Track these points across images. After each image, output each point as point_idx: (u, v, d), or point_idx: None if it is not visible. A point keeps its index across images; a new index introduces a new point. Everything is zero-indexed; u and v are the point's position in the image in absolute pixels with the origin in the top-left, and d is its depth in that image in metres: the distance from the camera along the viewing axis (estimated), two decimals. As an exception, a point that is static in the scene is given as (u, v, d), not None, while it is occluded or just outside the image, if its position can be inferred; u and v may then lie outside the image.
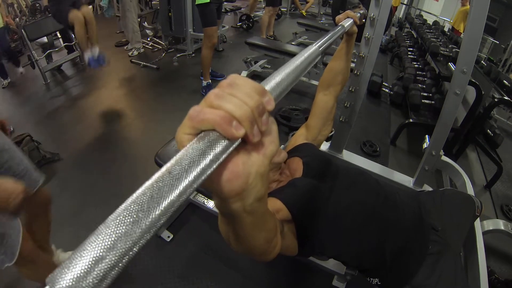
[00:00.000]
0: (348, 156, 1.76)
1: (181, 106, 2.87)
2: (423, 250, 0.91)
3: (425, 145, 1.51)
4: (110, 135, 2.42)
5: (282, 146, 1.04)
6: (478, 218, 1.26)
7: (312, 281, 1.47)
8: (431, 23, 5.20)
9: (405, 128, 2.75)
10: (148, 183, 0.19)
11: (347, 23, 0.92)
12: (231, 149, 0.20)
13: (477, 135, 2.45)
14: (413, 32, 4.97)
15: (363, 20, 1.29)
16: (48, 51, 3.23)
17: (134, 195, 0.19)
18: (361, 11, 1.26)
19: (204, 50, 2.86)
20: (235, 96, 0.22)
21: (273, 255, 0.45)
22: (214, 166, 0.19)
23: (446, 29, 5.53)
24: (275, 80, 0.29)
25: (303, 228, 0.83)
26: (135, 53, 3.85)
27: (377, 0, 1.25)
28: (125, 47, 4.01)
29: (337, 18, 0.99)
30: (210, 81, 3.05)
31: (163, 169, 0.19)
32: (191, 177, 0.19)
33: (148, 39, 4.21)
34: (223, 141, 0.20)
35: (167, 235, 1.58)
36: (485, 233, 1.46)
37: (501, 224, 1.50)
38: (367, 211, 0.88)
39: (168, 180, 0.19)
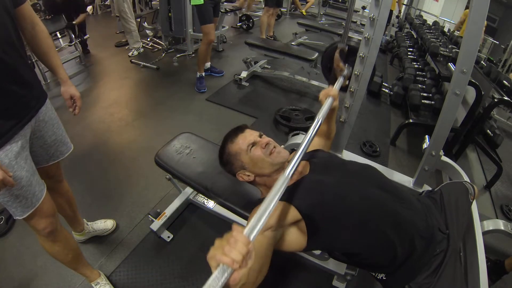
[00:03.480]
0: (348, 156, 1.76)
1: (181, 106, 2.87)
2: (431, 251, 0.92)
3: (425, 145, 1.51)
4: (109, 135, 2.42)
5: (282, 146, 1.05)
6: (479, 219, 1.27)
7: (312, 281, 1.47)
8: (431, 24, 5.20)
9: (405, 128, 2.75)
10: (207, 283, 0.44)
11: (323, 110, 1.00)
12: (232, 271, 0.47)
13: (477, 135, 2.45)
14: (413, 32, 4.97)
15: (347, 82, 1.45)
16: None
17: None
18: (345, 73, 1.37)
19: (201, 46, 3.00)
20: (235, 249, 0.48)
21: None
22: (227, 277, 0.47)
23: (446, 29, 5.52)
24: (256, 224, 0.55)
25: (313, 224, 0.85)
26: (135, 53, 3.85)
27: (377, 0, 1.25)
28: (126, 47, 4.01)
29: (319, 97, 1.08)
30: (203, 73, 3.14)
31: (212, 276, 0.46)
32: (220, 283, 0.45)
33: (148, 39, 4.21)
34: (230, 269, 0.47)
35: (167, 235, 1.58)
36: (485, 233, 1.46)
37: (501, 224, 1.50)
38: (378, 205, 0.89)
39: (213, 281, 0.45)
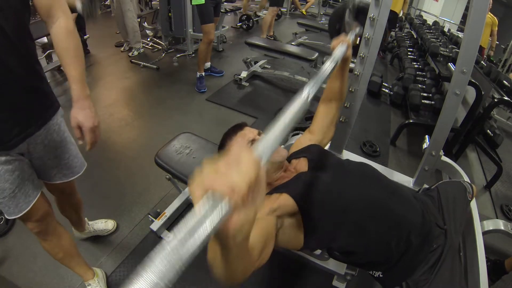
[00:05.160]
0: (348, 156, 1.75)
1: (181, 106, 2.87)
2: (427, 247, 0.92)
3: (425, 145, 1.50)
4: (109, 135, 2.42)
5: (282, 146, 1.05)
6: (479, 219, 1.27)
7: (312, 281, 1.47)
8: (431, 23, 5.20)
9: (405, 128, 2.75)
10: (182, 225, 0.26)
11: (339, 54, 0.95)
12: (230, 210, 0.28)
13: (477, 135, 2.45)
14: (413, 32, 4.97)
15: (358, 39, 1.35)
16: (48, 51, 3.22)
17: (176, 229, 0.26)
18: (357, 30, 1.31)
19: (201, 45, 3.00)
20: (239, 170, 0.29)
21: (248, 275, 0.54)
22: (223, 216, 0.27)
23: (446, 29, 5.52)
24: (270, 143, 0.38)
25: (310, 220, 0.85)
26: (135, 53, 3.85)
27: (377, 0, 1.25)
28: (121, 49, 4.00)
29: (332, 44, 1.04)
30: (203, 73, 3.14)
31: (190, 217, 0.27)
32: (209, 223, 0.26)
33: (148, 39, 4.20)
34: (227, 202, 0.28)
35: (167, 235, 1.58)
36: (485, 233, 1.45)
37: (501, 224, 1.50)
38: (375, 203, 0.89)
39: (198, 222, 0.26)
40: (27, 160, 0.95)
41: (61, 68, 0.96)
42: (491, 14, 4.23)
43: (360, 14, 1.38)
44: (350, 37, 1.13)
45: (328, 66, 0.84)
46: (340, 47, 1.00)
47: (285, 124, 0.44)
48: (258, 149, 0.36)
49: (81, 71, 0.90)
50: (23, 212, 0.94)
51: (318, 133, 1.19)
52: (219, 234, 0.31)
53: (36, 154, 0.96)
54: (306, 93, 0.60)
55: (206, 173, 0.30)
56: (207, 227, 0.26)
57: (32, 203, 0.96)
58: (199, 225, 0.26)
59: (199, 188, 0.29)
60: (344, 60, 1.09)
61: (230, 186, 0.28)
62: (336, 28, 1.50)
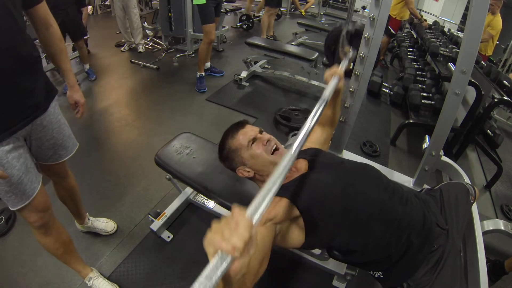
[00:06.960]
0: (348, 156, 1.75)
1: (181, 106, 2.87)
2: (428, 247, 0.92)
3: (425, 145, 1.51)
4: (109, 135, 2.42)
5: (283, 146, 1.05)
6: (479, 219, 1.27)
7: (312, 281, 1.47)
8: (431, 23, 5.20)
9: (405, 128, 2.75)
10: (203, 272, 0.39)
11: (328, 94, 0.95)
12: (232, 259, 0.41)
13: (477, 135, 2.45)
14: (413, 32, 4.97)
15: (351, 65, 1.40)
16: (48, 52, 3.24)
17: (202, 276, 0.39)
18: (350, 55, 1.33)
19: (201, 45, 3.00)
20: (237, 233, 0.41)
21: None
22: (227, 267, 0.40)
23: (446, 29, 5.53)
24: (260, 205, 0.49)
25: (311, 221, 0.85)
26: (143, 49, 3.92)
27: (377, 0, 1.25)
28: (122, 49, 4.00)
29: (325, 76, 1.04)
30: (203, 73, 3.15)
31: (210, 265, 0.40)
32: (219, 272, 0.39)
33: (148, 39, 4.21)
34: (230, 257, 0.41)
35: (167, 235, 1.58)
36: (485, 233, 1.46)
37: (501, 224, 1.50)
38: (375, 203, 0.89)
39: (211, 271, 0.39)
40: (27, 147, 1.00)
41: (50, 61, 1.13)
42: (498, 17, 3.78)
43: (354, 37, 1.40)
44: (343, 66, 1.16)
45: (318, 105, 0.86)
46: (333, 80, 1.00)
47: (275, 180, 0.54)
48: (250, 211, 0.47)
49: (70, 65, 1.18)
50: (30, 199, 0.98)
51: (312, 144, 1.18)
52: (225, 276, 0.42)
53: (36, 135, 1.02)
54: (294, 148, 0.65)
55: (215, 235, 0.42)
56: (218, 274, 0.39)
57: (37, 190, 1.00)
58: (213, 272, 0.39)
59: (211, 247, 0.42)
60: (337, 92, 1.08)
61: (232, 247, 0.40)
62: (331, 50, 1.53)
